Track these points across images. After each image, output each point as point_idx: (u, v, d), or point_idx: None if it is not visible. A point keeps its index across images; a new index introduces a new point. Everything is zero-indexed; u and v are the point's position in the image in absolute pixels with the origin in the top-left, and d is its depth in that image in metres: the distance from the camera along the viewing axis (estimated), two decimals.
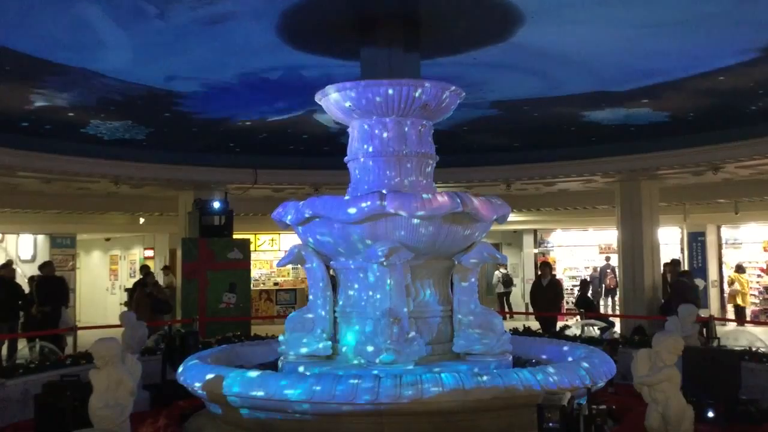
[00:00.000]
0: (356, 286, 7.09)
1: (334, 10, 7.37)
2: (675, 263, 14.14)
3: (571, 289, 21.58)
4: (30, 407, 7.65)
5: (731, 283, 20.44)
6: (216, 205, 14.36)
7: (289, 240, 19.83)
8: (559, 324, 13.39)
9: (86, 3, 6.89)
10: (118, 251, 25.38)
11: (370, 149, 7.24)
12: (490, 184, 15.24)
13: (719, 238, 21.27)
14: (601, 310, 20.43)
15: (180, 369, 6.92)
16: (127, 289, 21.91)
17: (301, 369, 6.77)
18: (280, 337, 7.29)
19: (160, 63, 8.81)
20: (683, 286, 12.87)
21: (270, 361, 7.73)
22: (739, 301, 19.93)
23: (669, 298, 13.07)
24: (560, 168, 14.42)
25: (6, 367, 8.81)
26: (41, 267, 14.33)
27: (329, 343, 7.01)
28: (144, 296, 13.82)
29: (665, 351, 5.80)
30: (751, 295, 20.52)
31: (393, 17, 7.49)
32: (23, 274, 18.66)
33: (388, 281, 6.53)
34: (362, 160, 7.31)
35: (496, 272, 22.60)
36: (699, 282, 20.30)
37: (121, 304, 21.43)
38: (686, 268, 20.93)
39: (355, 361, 6.71)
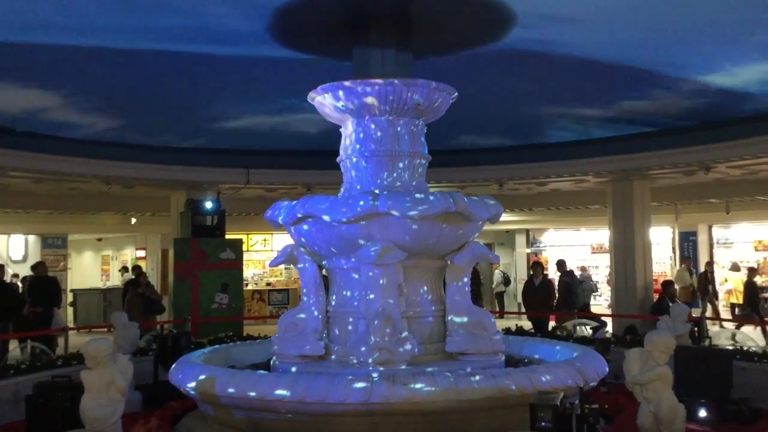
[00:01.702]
0: (349, 286, 7.08)
1: (326, 9, 7.37)
2: (561, 263, 14.87)
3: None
4: (21, 408, 7.62)
5: (724, 281, 20.60)
6: (208, 205, 14.32)
7: (282, 240, 19.81)
8: (552, 323, 13.43)
9: None
10: (110, 251, 25.30)
11: (363, 149, 7.24)
12: (483, 184, 15.25)
13: (710, 237, 21.36)
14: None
15: (172, 369, 6.89)
16: (72, 290, 21.87)
17: (293, 369, 6.76)
18: (273, 338, 7.28)
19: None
20: (565, 285, 14.20)
21: (262, 361, 7.72)
22: (733, 299, 20.09)
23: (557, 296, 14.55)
24: (552, 168, 14.42)
25: None
26: (34, 267, 14.25)
27: (322, 343, 7.00)
28: (136, 296, 13.77)
29: (657, 350, 5.81)
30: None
31: (385, 17, 7.49)
32: (15, 274, 18.58)
33: (381, 281, 6.52)
34: (355, 160, 7.31)
35: (497, 271, 22.60)
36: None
37: (68, 304, 21.35)
38: (677, 267, 21.24)
39: (348, 361, 6.70)
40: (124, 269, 22.87)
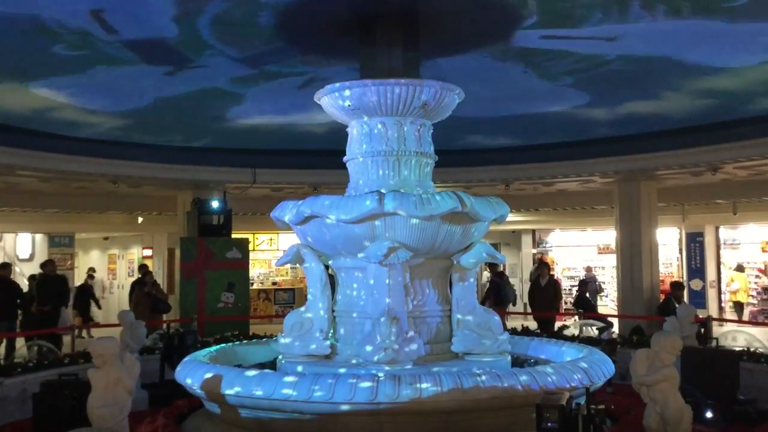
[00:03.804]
0: (355, 285, 7.09)
1: (333, 9, 7.37)
2: (493, 265, 15.44)
3: (570, 290, 21.63)
4: (28, 406, 7.66)
5: (731, 281, 20.69)
6: (215, 204, 14.36)
7: (288, 239, 19.86)
8: (558, 324, 13.42)
9: None
10: (117, 250, 25.38)
11: (369, 149, 7.23)
12: (489, 184, 15.25)
13: (717, 238, 21.32)
14: None
15: (178, 368, 6.91)
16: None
17: (299, 368, 6.77)
18: (279, 337, 7.29)
19: None
20: (495, 285, 15.27)
21: (268, 360, 7.73)
22: (739, 298, 20.22)
23: (485, 295, 15.53)
24: (559, 168, 14.43)
25: (4, 365, 8.80)
26: (43, 265, 14.32)
27: (328, 342, 7.00)
28: (143, 295, 13.82)
29: (664, 351, 5.80)
30: (750, 295, 20.68)
31: (392, 16, 7.48)
32: (21, 273, 18.68)
33: (387, 281, 6.52)
34: (361, 159, 7.31)
35: (485, 273, 22.55)
36: (697, 283, 20.65)
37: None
38: (684, 268, 21.26)
39: (354, 361, 6.71)
40: (92, 270, 22.90)
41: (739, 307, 20.23)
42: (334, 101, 7.24)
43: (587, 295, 15.61)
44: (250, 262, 16.77)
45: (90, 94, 10.09)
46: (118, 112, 11.10)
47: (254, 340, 9.98)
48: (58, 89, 9.81)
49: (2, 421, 7.76)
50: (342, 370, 6.32)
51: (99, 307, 19.15)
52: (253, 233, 22.25)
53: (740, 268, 20.69)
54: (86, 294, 18.84)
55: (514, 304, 16.68)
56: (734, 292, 20.50)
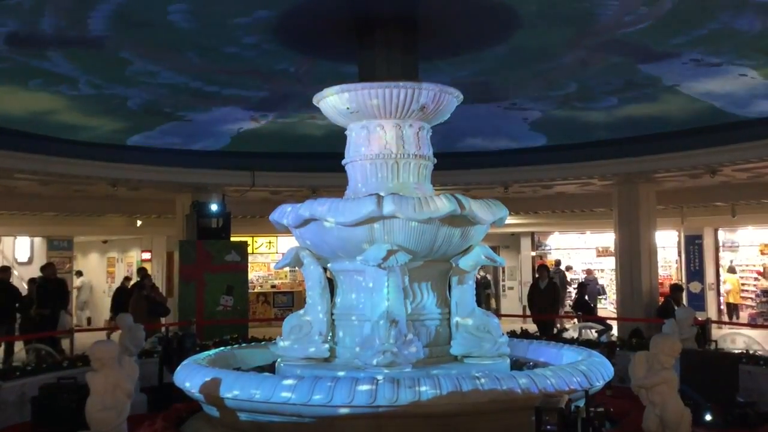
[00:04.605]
0: (354, 288, 7.08)
1: (332, 12, 7.38)
2: None
3: (570, 292, 21.63)
4: (26, 409, 7.65)
5: (725, 283, 20.79)
6: (213, 207, 14.34)
7: (287, 243, 19.84)
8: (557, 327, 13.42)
9: None
10: (116, 253, 25.36)
11: (368, 152, 7.23)
12: (488, 187, 15.25)
13: (716, 241, 21.34)
14: None
15: (177, 371, 6.90)
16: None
17: (298, 371, 6.76)
18: (278, 340, 7.28)
19: None
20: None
21: (267, 363, 7.72)
22: (731, 299, 20.30)
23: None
24: (558, 171, 14.43)
25: (2, 369, 8.79)
26: (43, 268, 14.31)
27: (327, 345, 7.00)
28: (141, 299, 13.80)
29: (663, 353, 5.79)
30: (748, 298, 20.71)
31: (391, 20, 7.49)
32: (20, 276, 18.66)
33: (386, 284, 6.52)
34: (360, 162, 7.31)
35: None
36: (696, 285, 20.69)
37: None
38: (683, 270, 21.29)
39: (353, 364, 6.69)
40: (79, 273, 22.83)
41: (732, 308, 20.32)
42: (334, 104, 7.24)
43: (586, 297, 15.61)
44: (249, 265, 16.76)
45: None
46: None
47: (253, 343, 9.96)
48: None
49: (1, 424, 7.75)
50: (341, 373, 6.31)
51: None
52: (252, 236, 22.23)
53: (732, 270, 20.81)
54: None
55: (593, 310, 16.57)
56: (727, 293, 20.62)
